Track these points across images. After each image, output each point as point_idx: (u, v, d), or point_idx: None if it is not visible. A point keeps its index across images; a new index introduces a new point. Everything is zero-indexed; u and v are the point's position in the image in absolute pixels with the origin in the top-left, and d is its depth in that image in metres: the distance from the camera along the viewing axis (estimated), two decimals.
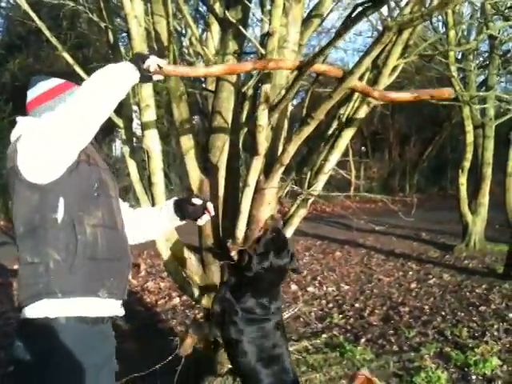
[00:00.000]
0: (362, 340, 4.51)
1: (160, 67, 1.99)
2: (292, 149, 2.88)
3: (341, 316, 5.28)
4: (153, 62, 1.96)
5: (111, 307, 2.02)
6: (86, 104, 1.81)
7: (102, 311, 1.96)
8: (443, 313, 5.32)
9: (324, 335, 4.68)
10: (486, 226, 8.88)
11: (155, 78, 2.05)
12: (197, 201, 2.30)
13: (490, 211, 8.81)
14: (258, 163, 2.96)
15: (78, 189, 1.90)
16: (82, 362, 1.84)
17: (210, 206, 2.31)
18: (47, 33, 3.60)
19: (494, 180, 8.77)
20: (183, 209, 2.31)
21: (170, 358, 3.32)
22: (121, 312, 2.10)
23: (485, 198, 8.74)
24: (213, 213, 2.32)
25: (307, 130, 2.80)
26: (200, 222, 2.35)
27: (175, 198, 2.38)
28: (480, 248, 8.69)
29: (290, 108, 3.65)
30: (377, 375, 3.78)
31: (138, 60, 1.95)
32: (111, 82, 1.88)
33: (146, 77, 1.99)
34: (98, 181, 1.98)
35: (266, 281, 2.55)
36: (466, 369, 3.88)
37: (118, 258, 2.02)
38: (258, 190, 3.14)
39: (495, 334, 4.63)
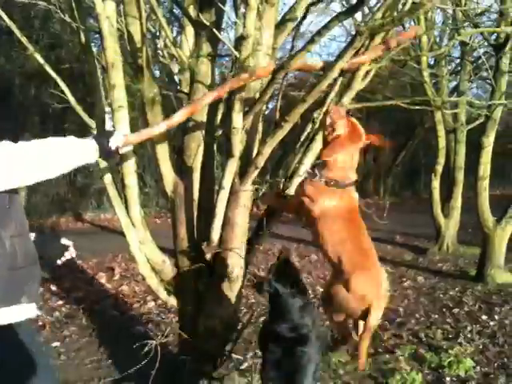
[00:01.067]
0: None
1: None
2: (267, 151, 2.89)
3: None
4: (116, 141, 2.16)
5: (30, 311, 2.10)
6: (43, 164, 1.96)
7: (21, 316, 2.04)
8: (417, 315, 5.38)
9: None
10: (458, 229, 9.04)
11: (122, 151, 2.21)
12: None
13: (463, 214, 8.97)
14: (232, 165, 2.97)
15: None
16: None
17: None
18: (18, 33, 3.55)
19: (466, 184, 8.92)
20: None
21: (145, 361, 3.28)
22: (36, 313, 2.17)
23: (457, 202, 8.90)
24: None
25: (281, 133, 2.81)
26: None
27: None
28: (453, 251, 8.83)
29: (266, 111, 3.66)
30: (352, 378, 3.82)
31: (104, 140, 2.14)
32: (69, 158, 2.05)
33: (109, 154, 2.20)
34: (7, 192, 1.99)
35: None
36: (440, 370, 3.92)
37: (33, 262, 2.11)
38: (233, 193, 3.13)
39: (469, 335, 4.69)
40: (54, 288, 6.43)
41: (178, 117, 2.54)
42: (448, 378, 3.79)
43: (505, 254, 6.80)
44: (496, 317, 5.21)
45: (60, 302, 5.92)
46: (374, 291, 2.63)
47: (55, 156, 1.98)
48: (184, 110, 2.63)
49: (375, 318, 2.63)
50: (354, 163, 2.73)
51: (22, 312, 2.04)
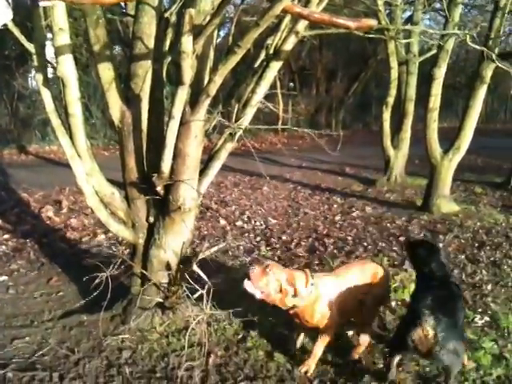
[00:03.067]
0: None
1: None
2: (218, 79, 2.78)
3: (268, 248, 5.37)
4: None
5: None
6: None
7: None
8: (365, 243, 5.54)
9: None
10: (406, 160, 9.25)
11: (42, 3, 2.01)
12: None
13: (411, 147, 9.15)
14: (183, 93, 2.85)
15: None
16: None
17: None
18: None
19: (415, 116, 9.05)
20: None
21: (95, 293, 3.26)
22: None
23: (406, 134, 9.06)
24: None
25: (234, 59, 2.69)
26: None
27: None
28: (400, 182, 9.08)
29: (217, 40, 3.51)
30: None
31: None
32: None
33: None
34: None
35: None
36: None
37: None
38: (184, 123, 3.04)
39: None
40: None
41: None
42: (393, 303, 3.94)
43: (450, 185, 7.03)
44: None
45: (6, 236, 5.75)
46: None
47: None
48: None
49: None
50: None
51: None
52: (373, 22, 2.65)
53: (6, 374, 2.99)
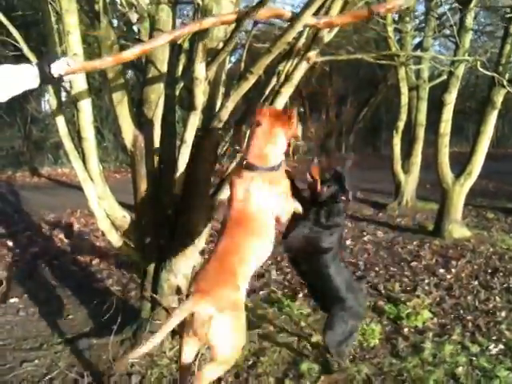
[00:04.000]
0: (300, 295, 4.58)
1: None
2: (230, 104, 2.81)
3: (278, 273, 5.34)
4: (59, 67, 2.08)
5: None
6: None
7: None
8: (377, 268, 5.49)
9: (262, 291, 4.73)
10: (417, 185, 9.21)
11: (66, 78, 2.12)
12: None
13: (422, 171, 9.13)
14: (195, 119, 2.88)
15: None
16: None
17: None
18: None
19: (426, 141, 9.05)
20: None
21: (106, 317, 3.25)
22: None
23: (417, 158, 9.04)
24: None
25: (246, 85, 2.73)
26: None
27: None
28: (411, 206, 9.02)
29: (228, 66, 3.55)
30: (314, 329, 3.89)
31: (45, 65, 2.07)
32: (7, 84, 2.04)
33: (51, 81, 2.14)
34: None
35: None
36: (398, 322, 4.03)
37: None
38: (196, 147, 3.05)
39: (426, 288, 4.83)
40: (10, 244, 6.27)
41: (128, 53, 2.37)
42: (406, 329, 3.89)
43: (462, 210, 6.98)
44: (453, 270, 5.37)
45: (17, 258, 5.78)
46: None
47: None
48: (135, 47, 2.45)
49: None
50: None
51: None
52: (400, 1, 2.53)
53: None
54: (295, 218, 2.97)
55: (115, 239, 3.36)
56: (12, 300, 4.60)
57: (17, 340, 3.78)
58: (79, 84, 2.89)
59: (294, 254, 3.24)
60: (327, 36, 3.37)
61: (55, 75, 2.09)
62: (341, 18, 2.63)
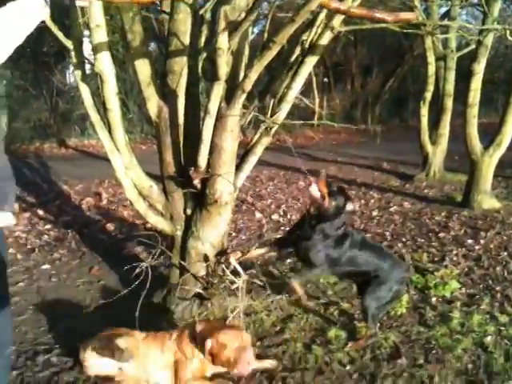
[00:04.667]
0: None
1: None
2: (254, 75, 2.79)
3: None
4: None
5: (10, 218, 2.30)
6: None
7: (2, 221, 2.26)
8: (404, 239, 5.47)
9: (289, 260, 4.75)
10: (445, 156, 9.07)
11: (79, 3, 2.06)
12: None
13: (450, 142, 8.97)
14: (218, 89, 2.88)
15: None
16: None
17: None
18: None
19: (454, 112, 8.87)
20: None
21: (136, 283, 3.31)
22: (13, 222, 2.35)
23: (445, 129, 8.88)
24: None
25: (269, 55, 2.70)
26: None
27: None
28: (439, 178, 8.91)
29: (251, 37, 3.53)
30: (340, 297, 3.92)
31: None
32: (17, 25, 1.92)
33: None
34: None
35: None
36: (426, 291, 4.02)
37: (11, 176, 2.35)
38: (220, 118, 3.06)
39: (454, 259, 4.80)
40: (41, 213, 6.42)
41: None
42: (434, 299, 3.89)
43: (491, 181, 6.87)
44: (481, 241, 5.31)
45: (48, 226, 5.92)
46: None
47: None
48: None
49: None
50: None
51: (5, 219, 2.24)
52: (411, 16, 2.62)
53: (51, 359, 3.09)
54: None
55: (143, 208, 3.41)
56: (44, 267, 4.72)
57: (50, 305, 3.90)
58: (103, 55, 2.90)
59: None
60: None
61: None
62: (360, 11, 2.57)
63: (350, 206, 3.14)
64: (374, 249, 3.34)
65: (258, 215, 6.51)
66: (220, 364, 2.60)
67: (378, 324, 3.32)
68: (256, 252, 3.46)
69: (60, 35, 3.06)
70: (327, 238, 3.13)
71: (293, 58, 3.46)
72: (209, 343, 2.56)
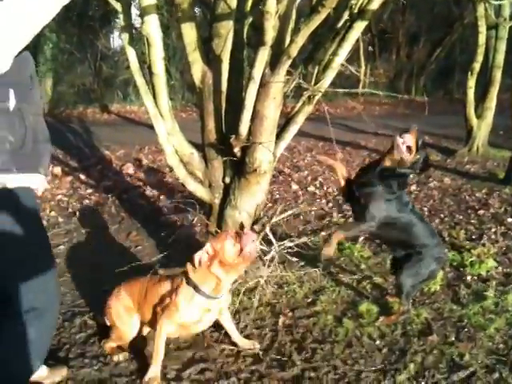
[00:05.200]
0: (361, 239, 4.58)
1: None
2: (300, 40, 2.73)
3: (340, 215, 5.34)
4: None
5: (44, 181, 2.37)
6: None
7: (37, 184, 2.32)
8: (442, 215, 5.38)
9: (323, 233, 4.76)
10: (490, 131, 8.79)
11: None
12: None
13: (496, 117, 8.68)
14: (263, 54, 2.83)
15: (20, 81, 2.18)
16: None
17: None
18: None
19: (501, 85, 8.54)
20: None
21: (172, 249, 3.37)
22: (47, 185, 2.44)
23: (492, 103, 8.56)
24: None
25: (317, 19, 2.63)
26: None
27: None
28: (483, 153, 8.66)
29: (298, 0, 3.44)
30: (374, 272, 3.91)
31: None
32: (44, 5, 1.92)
33: None
34: (29, 73, 2.28)
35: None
36: (461, 269, 3.97)
37: (48, 140, 2.38)
38: (264, 84, 3.02)
39: (492, 237, 4.70)
40: (83, 177, 6.57)
41: None
42: (469, 277, 3.83)
43: None
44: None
45: (89, 191, 6.07)
46: None
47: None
48: None
49: None
50: None
51: (39, 181, 2.30)
52: None
53: (87, 321, 3.21)
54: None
55: (183, 175, 3.43)
56: (84, 230, 4.86)
57: (88, 268, 4.02)
58: (150, 18, 2.89)
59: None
60: None
61: None
62: None
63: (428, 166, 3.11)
64: (427, 224, 3.30)
65: (295, 186, 6.50)
66: (229, 262, 2.61)
67: (411, 300, 3.31)
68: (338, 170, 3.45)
69: None
70: (392, 194, 3.06)
71: (340, 24, 3.37)
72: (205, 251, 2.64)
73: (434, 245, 3.17)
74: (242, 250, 2.59)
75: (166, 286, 2.77)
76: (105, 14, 12.50)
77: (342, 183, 3.37)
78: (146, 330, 2.96)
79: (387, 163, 3.07)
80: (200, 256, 2.64)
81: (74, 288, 3.68)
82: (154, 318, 2.75)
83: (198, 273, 2.65)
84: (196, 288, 2.64)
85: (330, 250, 3.11)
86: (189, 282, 2.66)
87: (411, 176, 3.11)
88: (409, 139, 2.98)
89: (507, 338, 3.03)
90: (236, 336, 2.94)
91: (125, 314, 2.87)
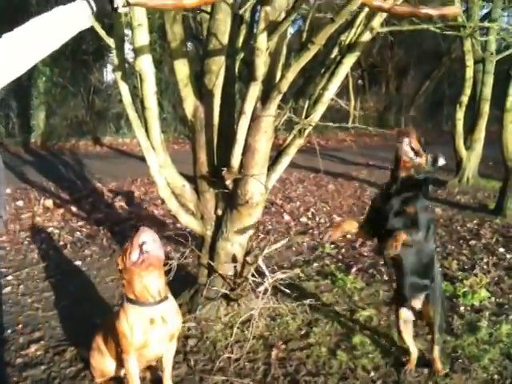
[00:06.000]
0: (353, 269, 4.59)
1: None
2: (291, 75, 2.79)
3: (332, 246, 5.34)
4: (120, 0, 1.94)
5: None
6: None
7: None
8: None
9: (316, 264, 4.76)
10: (480, 162, 8.90)
11: (121, 10, 2.02)
12: None
13: (485, 148, 8.80)
14: (255, 89, 2.89)
15: None
16: None
17: None
18: None
19: (490, 117, 8.69)
20: None
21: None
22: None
23: (481, 134, 8.71)
24: None
25: (307, 56, 2.70)
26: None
27: None
28: (473, 184, 8.75)
29: (288, 36, 3.53)
30: (368, 303, 3.90)
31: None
32: (61, 29, 1.93)
33: (107, 14, 2.05)
34: None
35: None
36: (454, 300, 3.96)
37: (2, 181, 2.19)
38: (255, 118, 3.08)
39: (484, 267, 4.71)
40: (74, 209, 6.56)
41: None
42: (462, 308, 3.83)
43: None
44: None
45: (80, 223, 6.05)
46: None
47: (45, 30, 1.90)
48: None
49: None
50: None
51: None
52: (455, 10, 2.56)
53: (78, 355, 3.16)
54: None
55: (175, 207, 3.44)
56: (75, 263, 4.83)
57: (79, 301, 3.99)
58: (143, 53, 2.95)
59: None
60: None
61: (116, 5, 1.94)
62: (402, 9, 2.52)
63: (442, 161, 2.93)
64: None
65: (287, 217, 6.52)
66: (129, 264, 2.51)
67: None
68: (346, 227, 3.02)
69: (103, 34, 3.11)
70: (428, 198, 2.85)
71: (330, 59, 3.45)
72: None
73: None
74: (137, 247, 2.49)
75: (116, 318, 2.67)
76: (98, 49, 12.65)
77: (354, 230, 3.04)
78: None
79: (404, 174, 2.84)
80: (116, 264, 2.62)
81: (65, 321, 3.64)
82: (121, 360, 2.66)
83: (124, 284, 2.59)
84: (128, 300, 2.55)
85: (394, 251, 2.71)
86: (123, 298, 2.61)
87: (430, 187, 2.93)
88: (411, 141, 2.83)
89: (502, 369, 3.02)
90: (167, 377, 2.75)
91: (98, 356, 2.82)
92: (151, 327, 2.54)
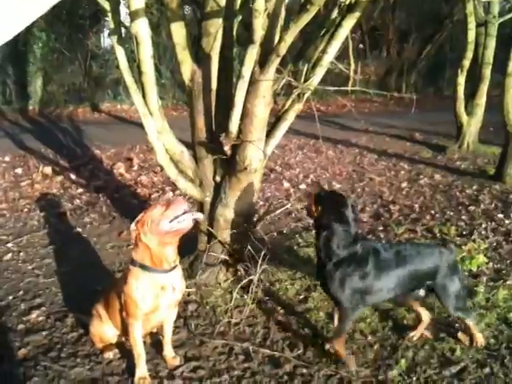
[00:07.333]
0: None
1: None
2: (289, 38, 2.73)
3: None
4: None
5: None
6: None
7: None
8: (432, 211, 5.41)
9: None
10: (480, 127, 8.84)
11: None
12: None
13: (486, 113, 8.73)
14: (253, 52, 2.83)
15: None
16: None
17: None
18: None
19: (491, 82, 8.59)
20: None
21: None
22: None
23: (482, 99, 8.62)
24: None
25: (306, 17, 2.63)
26: None
27: None
28: (473, 150, 8.71)
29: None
30: None
31: None
32: None
33: None
34: None
35: None
36: None
37: None
38: (253, 82, 3.02)
39: (483, 232, 4.73)
40: (73, 177, 6.54)
41: None
42: None
43: None
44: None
45: (80, 190, 6.04)
46: None
47: None
48: None
49: None
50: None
51: None
52: None
53: (79, 320, 3.19)
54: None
55: (173, 173, 3.42)
56: (75, 230, 4.84)
57: (80, 268, 4.01)
58: (139, 17, 2.88)
59: None
60: None
61: None
62: None
63: (350, 214, 2.72)
64: (412, 256, 2.81)
65: (286, 184, 6.51)
66: (158, 231, 2.50)
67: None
68: None
69: None
70: (342, 262, 2.69)
71: (329, 21, 3.38)
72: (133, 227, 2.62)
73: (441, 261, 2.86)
74: (172, 217, 2.48)
75: (120, 283, 2.70)
76: (95, 13, 12.41)
77: None
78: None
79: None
80: (132, 229, 2.61)
81: (65, 287, 3.67)
82: (125, 325, 2.69)
83: (139, 250, 2.59)
84: (141, 266, 2.56)
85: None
86: (134, 263, 2.60)
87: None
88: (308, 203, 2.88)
89: (498, 333, 3.06)
90: (167, 342, 2.81)
91: (98, 322, 2.85)
92: (162, 293, 2.58)
